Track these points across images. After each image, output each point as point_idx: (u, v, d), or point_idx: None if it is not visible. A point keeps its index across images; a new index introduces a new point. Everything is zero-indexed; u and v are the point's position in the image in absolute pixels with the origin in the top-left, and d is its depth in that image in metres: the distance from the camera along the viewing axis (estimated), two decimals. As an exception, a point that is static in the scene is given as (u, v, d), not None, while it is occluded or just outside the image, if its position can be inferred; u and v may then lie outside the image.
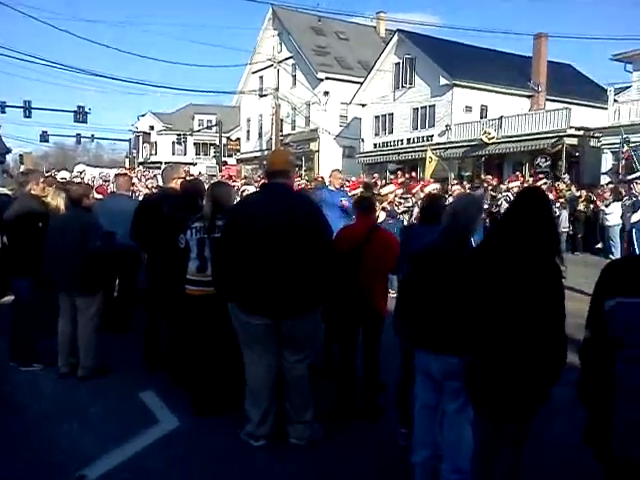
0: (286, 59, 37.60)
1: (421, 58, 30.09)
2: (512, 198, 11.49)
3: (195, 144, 56.82)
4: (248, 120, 44.50)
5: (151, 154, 57.45)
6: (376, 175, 26.01)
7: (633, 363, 2.07)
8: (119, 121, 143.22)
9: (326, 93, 35.56)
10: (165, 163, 31.20)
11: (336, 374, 4.78)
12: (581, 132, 23.88)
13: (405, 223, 10.22)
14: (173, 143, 53.55)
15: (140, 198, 9.92)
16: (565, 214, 15.12)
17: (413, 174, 26.56)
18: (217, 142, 39.20)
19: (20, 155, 39.19)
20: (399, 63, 31.78)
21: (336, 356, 4.88)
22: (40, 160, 58.51)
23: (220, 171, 34.39)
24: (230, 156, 45.15)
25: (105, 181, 18.26)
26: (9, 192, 8.06)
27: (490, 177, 20.46)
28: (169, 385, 5.09)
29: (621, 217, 13.54)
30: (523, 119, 26.15)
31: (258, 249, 3.81)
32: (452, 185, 16.81)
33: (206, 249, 4.50)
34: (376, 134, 33.80)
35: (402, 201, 11.57)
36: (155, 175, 21.79)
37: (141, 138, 57.19)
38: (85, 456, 3.96)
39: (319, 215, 4.15)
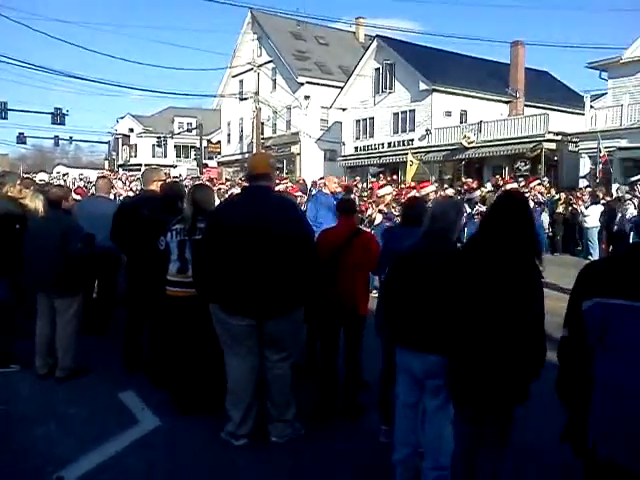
0: (266, 63, 37.55)
1: (400, 64, 30.33)
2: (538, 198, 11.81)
3: (175, 147, 56.47)
4: (229, 123, 44.37)
5: (131, 156, 56.99)
6: (357, 178, 26.08)
7: (610, 362, 2.11)
8: (98, 123, 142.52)
9: (307, 97, 35.62)
10: (145, 165, 30.98)
11: (318, 374, 4.79)
12: (559, 137, 24.32)
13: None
14: (153, 146, 53.09)
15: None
16: (545, 216, 15.32)
17: (394, 177, 26.71)
18: (198, 145, 38.94)
19: (-4, 157, 38.61)
20: (379, 68, 31.97)
21: (319, 356, 4.89)
22: (17, 162, 57.77)
23: (201, 173, 34.19)
24: (211, 159, 44.92)
25: (88, 182, 18.07)
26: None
27: (470, 180, 20.64)
28: (149, 386, 5.04)
29: (599, 219, 13.78)
30: (502, 124, 26.51)
31: (240, 250, 3.81)
32: (445, 189, 16.85)
33: (187, 251, 4.49)
34: (357, 138, 33.94)
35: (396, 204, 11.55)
36: (139, 178, 21.65)
37: (120, 140, 56.74)
38: (63, 458, 3.91)
39: (300, 217, 4.19)
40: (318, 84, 36.03)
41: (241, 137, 42.07)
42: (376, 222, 9.25)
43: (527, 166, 24.49)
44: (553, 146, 24.33)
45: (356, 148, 33.80)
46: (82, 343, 5.51)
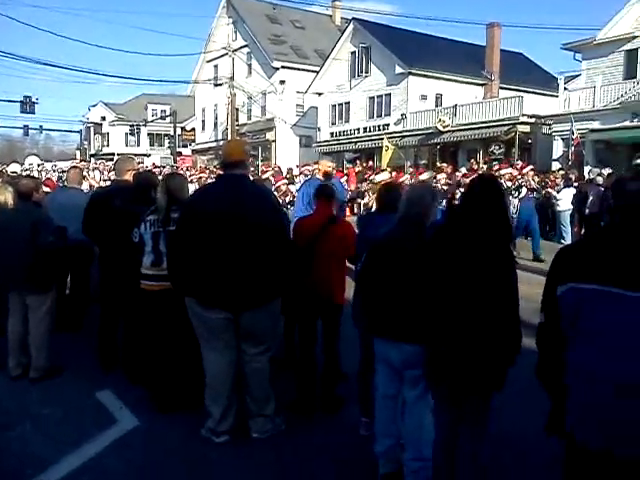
0: (241, 48, 37.09)
1: (377, 47, 30.20)
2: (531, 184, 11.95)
3: (149, 135, 55.69)
4: (203, 110, 43.87)
5: (103, 145, 56.11)
6: (334, 164, 25.99)
7: (583, 348, 2.12)
8: (69, 112, 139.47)
9: (282, 82, 35.33)
10: (118, 155, 30.56)
11: (297, 365, 4.76)
12: (533, 120, 24.45)
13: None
14: (126, 134, 52.33)
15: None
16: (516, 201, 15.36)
17: (370, 163, 26.72)
18: (171, 133, 38.46)
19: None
20: (355, 52, 31.81)
21: (297, 348, 4.86)
22: (-15, 153, 56.49)
23: (175, 162, 33.82)
24: (185, 146, 44.47)
25: (62, 172, 17.66)
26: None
27: (445, 165, 20.73)
28: (126, 383, 4.96)
29: (571, 202, 13.90)
30: (477, 107, 26.60)
31: (214, 241, 3.74)
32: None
33: (161, 242, 4.39)
34: (333, 123, 33.80)
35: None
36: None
37: (92, 129, 55.80)
38: (40, 460, 3.83)
39: (275, 206, 4.13)
40: (294, 68, 35.74)
41: (215, 124, 41.63)
42: (374, 209, 9.18)
43: (501, 149, 24.64)
44: (527, 129, 24.49)
45: (332, 134, 33.67)
46: (56, 341, 5.39)
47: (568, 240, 13.30)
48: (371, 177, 17.59)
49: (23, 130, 44.96)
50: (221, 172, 4.42)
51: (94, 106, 58.57)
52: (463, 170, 18.56)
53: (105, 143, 56.24)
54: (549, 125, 23.84)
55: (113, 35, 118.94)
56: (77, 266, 6.51)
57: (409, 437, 3.31)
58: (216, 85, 38.22)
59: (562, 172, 16.54)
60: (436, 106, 29.02)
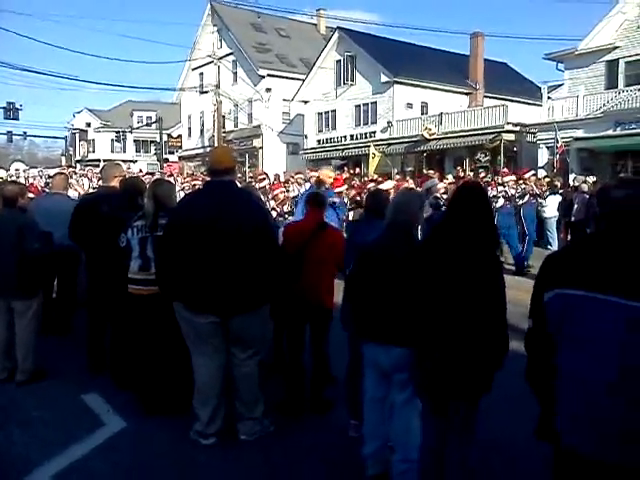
0: (226, 55, 37.12)
1: (362, 55, 30.39)
2: (508, 193, 11.71)
3: (135, 141, 55.44)
4: (189, 117, 43.78)
5: (89, 152, 55.73)
6: (334, 173, 25.98)
7: (574, 354, 2.13)
8: (54, 118, 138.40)
9: (268, 90, 35.38)
10: (104, 161, 30.36)
11: (285, 369, 4.76)
12: (518, 128, 24.72)
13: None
14: (112, 140, 52.01)
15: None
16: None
17: (357, 170, 26.79)
18: (158, 139, 38.30)
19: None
20: (340, 60, 31.96)
21: (285, 352, 4.86)
22: (-31, 159, 55.79)
23: (162, 168, 33.65)
24: (172, 153, 44.27)
25: (49, 177, 17.41)
26: None
27: (432, 172, 20.83)
28: (114, 387, 4.94)
29: (557, 209, 14.04)
30: (462, 115, 26.83)
31: (203, 247, 3.75)
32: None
33: (148, 248, 4.40)
34: (319, 130, 33.90)
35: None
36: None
37: (77, 136, 55.32)
38: (27, 462, 3.81)
39: (263, 212, 4.14)
40: (279, 77, 35.82)
41: (202, 131, 41.56)
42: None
43: (487, 157, 24.87)
44: (512, 137, 24.75)
45: (319, 141, 33.76)
46: (43, 344, 5.37)
47: (555, 247, 13.43)
48: (369, 186, 17.48)
49: (7, 136, 44.51)
50: (208, 179, 4.43)
51: (79, 113, 58.26)
52: (450, 178, 18.63)
53: (91, 149, 55.89)
54: (534, 133, 24.09)
55: (99, 42, 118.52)
56: (64, 270, 6.48)
57: (397, 440, 3.33)
58: (202, 92, 38.18)
59: (547, 179, 16.70)
60: (422, 114, 29.23)
